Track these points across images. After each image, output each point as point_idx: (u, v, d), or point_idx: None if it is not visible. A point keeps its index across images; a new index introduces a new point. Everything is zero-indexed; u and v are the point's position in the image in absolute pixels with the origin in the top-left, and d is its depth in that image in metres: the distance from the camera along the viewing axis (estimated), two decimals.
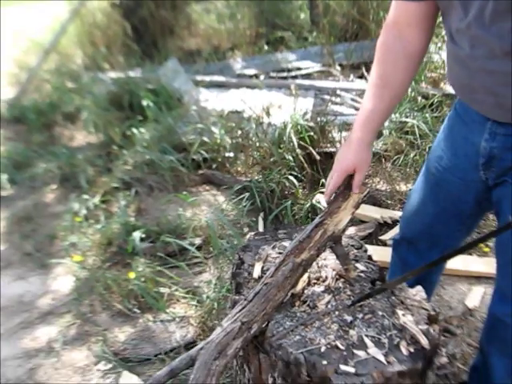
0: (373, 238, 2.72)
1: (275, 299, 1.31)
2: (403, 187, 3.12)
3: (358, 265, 1.60)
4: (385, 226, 2.83)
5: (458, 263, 2.49)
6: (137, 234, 2.66)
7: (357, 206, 1.49)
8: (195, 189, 3.25)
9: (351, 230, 2.70)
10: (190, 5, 6.41)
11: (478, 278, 2.55)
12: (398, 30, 1.42)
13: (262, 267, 1.57)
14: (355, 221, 2.83)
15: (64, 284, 2.64)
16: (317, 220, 1.45)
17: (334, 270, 1.55)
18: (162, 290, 2.44)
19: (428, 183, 1.67)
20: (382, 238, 2.73)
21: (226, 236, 2.66)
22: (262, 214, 2.88)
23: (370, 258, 1.66)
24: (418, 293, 1.50)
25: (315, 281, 1.52)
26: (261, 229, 2.76)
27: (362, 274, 1.56)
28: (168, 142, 3.41)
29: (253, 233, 2.70)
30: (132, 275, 2.43)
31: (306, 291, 1.46)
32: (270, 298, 1.30)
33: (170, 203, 3.08)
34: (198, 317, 2.28)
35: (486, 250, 2.65)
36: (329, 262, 1.58)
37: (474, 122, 1.44)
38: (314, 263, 1.56)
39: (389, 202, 3.00)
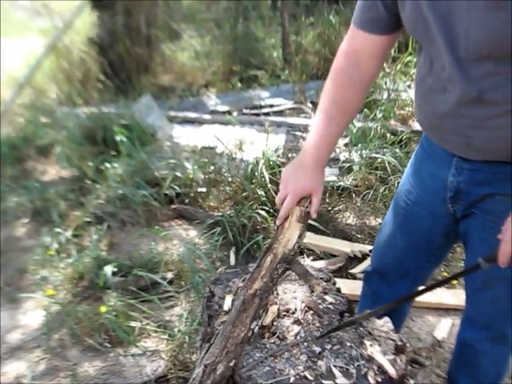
0: (343, 272, 2.76)
1: (234, 336, 1.31)
2: (373, 221, 3.17)
3: (326, 297, 1.61)
4: (355, 259, 2.87)
5: (426, 295, 2.54)
6: (108, 268, 2.65)
7: (303, 220, 1.46)
8: (167, 223, 3.25)
9: (322, 264, 2.74)
10: (165, 43, 6.50)
11: (446, 310, 2.59)
12: (357, 59, 1.46)
13: (232, 300, 1.58)
14: (326, 254, 2.87)
15: (34, 318, 2.60)
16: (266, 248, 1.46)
17: (303, 302, 1.56)
18: (133, 323, 2.42)
19: (398, 217, 1.72)
20: (352, 271, 2.77)
21: (198, 270, 2.66)
22: (233, 249, 2.90)
23: (338, 290, 1.69)
24: (385, 324, 1.52)
25: (285, 313, 1.53)
26: (232, 262, 2.77)
27: (330, 306, 1.58)
28: (141, 176, 3.42)
29: (224, 266, 2.74)
30: (103, 309, 2.41)
31: (275, 323, 1.47)
32: (227, 335, 1.31)
33: (142, 238, 3.09)
34: (169, 350, 2.28)
35: (454, 282, 2.70)
36: (298, 295, 1.60)
37: (440, 158, 1.50)
38: (285, 295, 1.59)
39: (359, 236, 3.05)
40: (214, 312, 1.56)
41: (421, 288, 1.53)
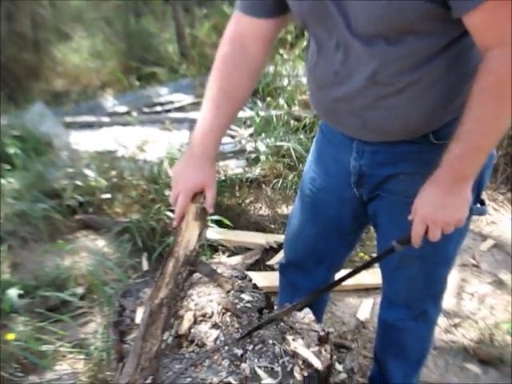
0: (260, 264, 2.74)
1: (146, 351, 1.23)
2: (285, 210, 3.16)
3: (243, 295, 1.58)
4: (271, 250, 2.84)
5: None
6: (13, 291, 2.46)
7: (200, 217, 1.39)
8: (73, 236, 3.07)
9: (238, 259, 2.69)
10: (55, 45, 6.23)
11: (366, 290, 2.63)
12: (242, 44, 1.41)
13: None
14: (241, 249, 2.82)
15: None
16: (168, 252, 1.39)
17: (219, 304, 1.51)
18: (46, 347, 2.26)
19: (305, 205, 1.69)
20: (270, 262, 2.74)
21: (110, 281, 2.54)
22: (145, 254, 2.79)
23: (255, 286, 1.65)
24: (306, 315, 1.51)
25: (202, 318, 1.47)
26: (145, 269, 2.67)
27: (248, 305, 1.54)
28: (39, 189, 3.21)
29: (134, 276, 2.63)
30: (11, 336, 2.23)
31: (192, 330, 1.41)
32: (138, 352, 1.23)
33: (46, 254, 2.88)
34: (87, 370, 2.15)
35: None
36: (214, 297, 1.54)
37: (340, 142, 1.48)
38: (200, 299, 1.53)
39: (272, 226, 3.03)
40: (127, 327, 1.47)
41: (338, 278, 1.52)
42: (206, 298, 1.54)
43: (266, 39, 1.43)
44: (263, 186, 3.33)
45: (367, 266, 1.46)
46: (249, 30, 1.40)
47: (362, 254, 2.75)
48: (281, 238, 2.88)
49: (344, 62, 1.26)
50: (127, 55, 5.92)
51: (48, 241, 2.98)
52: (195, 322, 1.45)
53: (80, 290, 2.56)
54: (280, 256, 2.76)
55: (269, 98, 4.15)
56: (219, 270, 1.69)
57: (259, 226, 3.03)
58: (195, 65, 5.29)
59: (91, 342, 2.31)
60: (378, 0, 1.10)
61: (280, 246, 2.84)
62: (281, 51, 4.99)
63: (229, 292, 1.54)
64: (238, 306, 1.52)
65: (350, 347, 2.33)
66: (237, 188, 3.26)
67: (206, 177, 1.41)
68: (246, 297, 1.57)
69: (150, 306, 1.29)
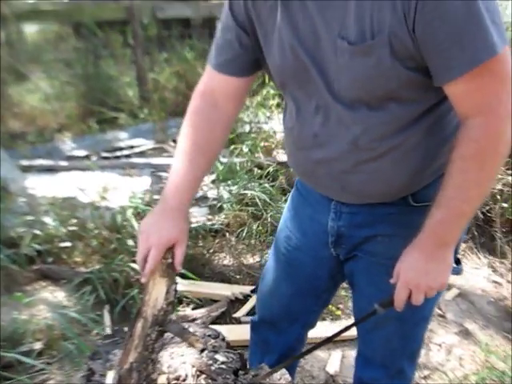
0: (226, 317, 2.67)
1: None
2: (250, 260, 3.12)
3: (217, 356, 1.52)
4: (237, 302, 2.78)
5: (313, 331, 2.52)
6: None
7: (167, 274, 1.31)
8: (31, 287, 2.92)
9: (203, 312, 2.62)
10: (11, 86, 6.11)
11: (334, 343, 2.58)
12: (214, 100, 1.40)
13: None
14: (206, 300, 2.75)
15: None
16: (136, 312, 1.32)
17: (193, 366, 1.45)
18: None
19: (280, 263, 1.66)
20: (236, 315, 2.68)
21: (70, 337, 2.42)
22: (107, 307, 2.69)
23: (228, 346, 1.60)
24: (282, 376, 1.47)
25: (175, 381, 1.41)
26: (107, 323, 2.57)
27: (223, 366, 1.49)
28: None
29: (96, 331, 2.53)
30: None
31: None
32: None
33: (3, 307, 2.73)
34: None
35: (338, 313, 2.71)
36: (187, 359, 1.48)
37: (318, 202, 1.47)
38: (173, 361, 1.47)
39: (237, 276, 2.97)
40: None
41: (319, 340, 1.49)
42: (179, 360, 1.48)
43: (238, 96, 1.43)
44: (227, 234, 3.29)
45: (348, 328, 1.43)
46: (221, 87, 1.39)
47: (330, 306, 2.71)
48: (246, 289, 2.83)
49: (323, 124, 1.25)
50: (86, 98, 5.83)
51: (4, 293, 2.84)
52: None
53: (38, 346, 2.43)
54: (247, 308, 2.71)
55: (231, 146, 4.15)
56: (191, 329, 1.64)
57: (224, 277, 2.97)
58: (156, 109, 5.26)
59: None
60: (360, 67, 1.11)
61: (246, 298, 2.79)
62: None
63: (202, 352, 1.49)
64: (213, 368, 1.46)
65: None
66: (200, 237, 3.21)
67: (180, 231, 1.34)
68: (220, 357, 1.52)
69: (118, 372, 1.22)
